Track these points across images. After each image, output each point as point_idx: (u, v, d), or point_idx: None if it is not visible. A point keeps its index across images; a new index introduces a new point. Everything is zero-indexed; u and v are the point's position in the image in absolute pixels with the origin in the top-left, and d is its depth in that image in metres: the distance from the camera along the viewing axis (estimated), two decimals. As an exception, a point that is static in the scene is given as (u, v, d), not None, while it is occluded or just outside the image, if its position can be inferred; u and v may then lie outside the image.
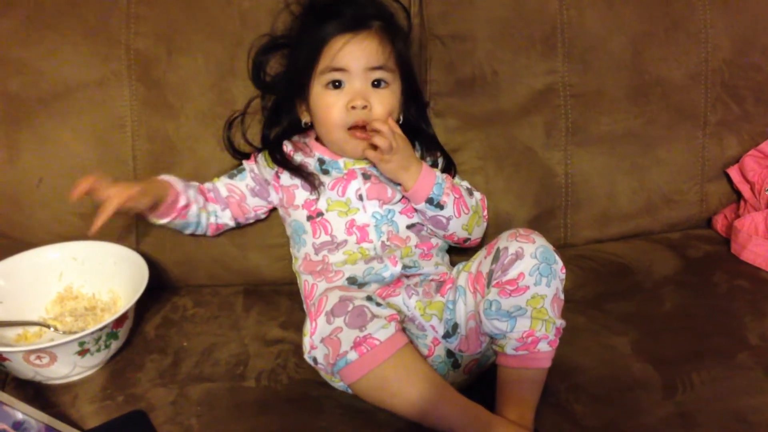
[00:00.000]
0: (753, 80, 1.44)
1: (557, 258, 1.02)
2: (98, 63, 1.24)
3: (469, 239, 1.24)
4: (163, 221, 1.19)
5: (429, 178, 1.16)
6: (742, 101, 1.44)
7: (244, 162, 1.27)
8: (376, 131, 1.13)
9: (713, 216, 1.48)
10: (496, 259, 1.03)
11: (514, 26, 1.35)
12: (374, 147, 1.14)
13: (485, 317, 1.01)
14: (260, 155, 1.26)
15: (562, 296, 1.03)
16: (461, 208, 1.19)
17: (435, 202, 1.16)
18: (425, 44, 1.36)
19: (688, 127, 1.43)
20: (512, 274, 1.00)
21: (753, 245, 1.32)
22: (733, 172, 1.45)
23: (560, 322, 1.01)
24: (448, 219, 1.18)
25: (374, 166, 1.19)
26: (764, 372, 1.05)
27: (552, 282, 1.00)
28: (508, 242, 1.03)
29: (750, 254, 1.32)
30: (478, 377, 1.10)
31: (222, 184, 1.25)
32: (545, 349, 1.00)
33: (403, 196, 1.20)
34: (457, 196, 1.18)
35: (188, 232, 1.25)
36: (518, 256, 1.01)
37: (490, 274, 1.04)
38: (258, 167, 1.25)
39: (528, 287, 0.99)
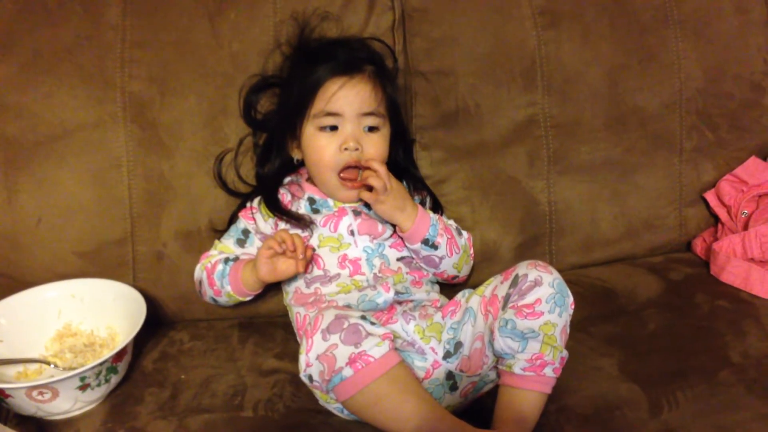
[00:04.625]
0: (726, 108, 1.48)
1: (569, 293, 1.06)
2: (94, 106, 1.27)
3: (457, 277, 1.28)
4: (249, 297, 1.25)
5: (425, 219, 1.20)
6: (716, 128, 1.48)
7: (244, 221, 1.26)
8: (371, 170, 1.16)
9: (692, 239, 1.51)
10: (514, 284, 1.07)
11: (494, 61, 1.39)
12: (369, 188, 1.18)
13: (500, 334, 1.04)
14: (258, 210, 1.26)
15: (568, 329, 1.07)
16: (453, 248, 1.23)
17: (430, 243, 1.20)
18: (410, 80, 1.40)
19: (665, 154, 1.47)
20: (530, 299, 1.04)
21: (732, 267, 1.35)
22: (710, 197, 1.49)
23: (565, 353, 1.05)
24: (441, 258, 1.22)
25: (365, 204, 1.22)
26: (746, 388, 1.08)
27: (563, 313, 1.04)
28: (528, 270, 1.06)
29: (729, 275, 1.36)
30: (471, 404, 1.12)
31: (242, 254, 1.25)
32: (550, 374, 1.03)
33: (393, 231, 1.23)
34: (449, 236, 1.22)
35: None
36: (537, 283, 1.04)
37: (507, 297, 1.07)
38: (257, 224, 1.26)
39: (543, 313, 1.03)
